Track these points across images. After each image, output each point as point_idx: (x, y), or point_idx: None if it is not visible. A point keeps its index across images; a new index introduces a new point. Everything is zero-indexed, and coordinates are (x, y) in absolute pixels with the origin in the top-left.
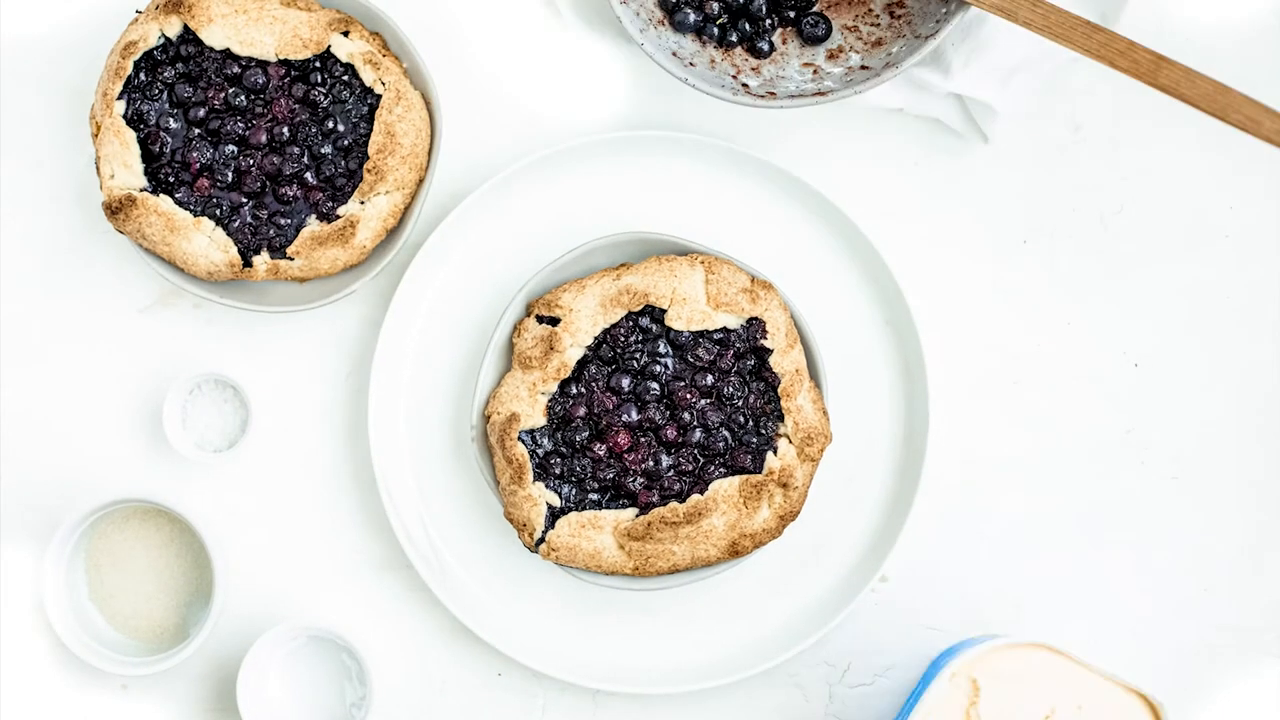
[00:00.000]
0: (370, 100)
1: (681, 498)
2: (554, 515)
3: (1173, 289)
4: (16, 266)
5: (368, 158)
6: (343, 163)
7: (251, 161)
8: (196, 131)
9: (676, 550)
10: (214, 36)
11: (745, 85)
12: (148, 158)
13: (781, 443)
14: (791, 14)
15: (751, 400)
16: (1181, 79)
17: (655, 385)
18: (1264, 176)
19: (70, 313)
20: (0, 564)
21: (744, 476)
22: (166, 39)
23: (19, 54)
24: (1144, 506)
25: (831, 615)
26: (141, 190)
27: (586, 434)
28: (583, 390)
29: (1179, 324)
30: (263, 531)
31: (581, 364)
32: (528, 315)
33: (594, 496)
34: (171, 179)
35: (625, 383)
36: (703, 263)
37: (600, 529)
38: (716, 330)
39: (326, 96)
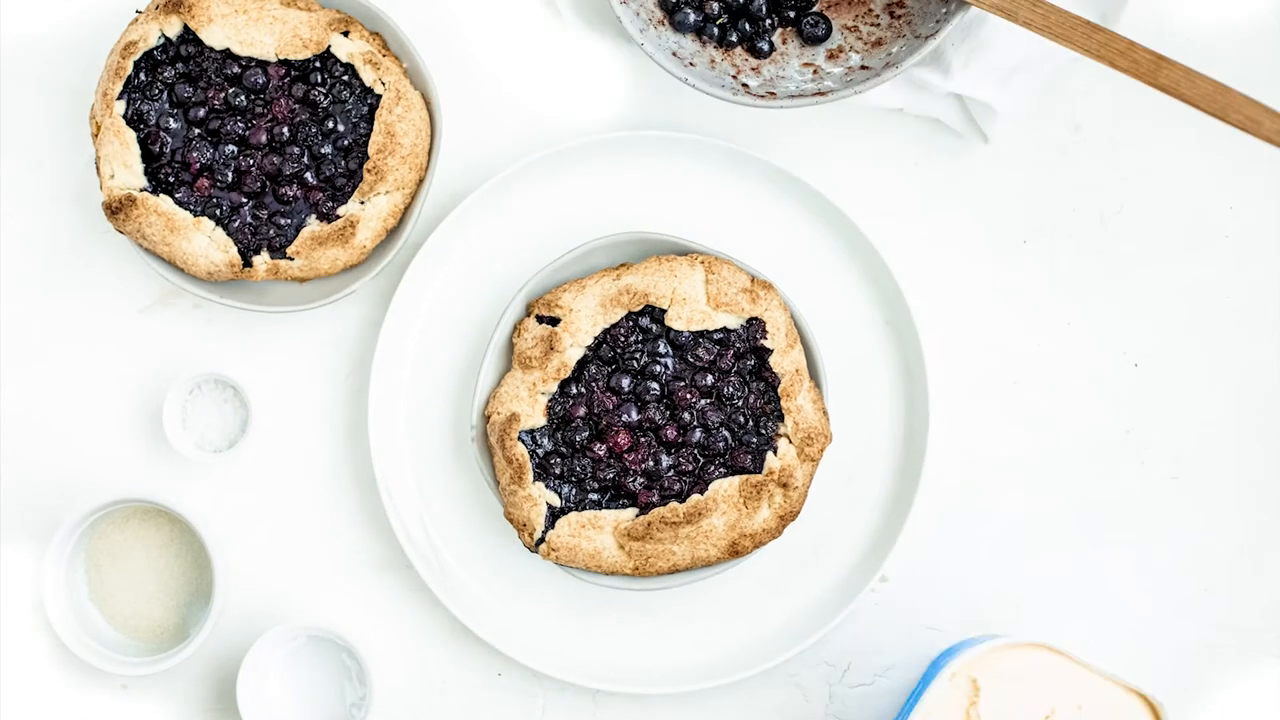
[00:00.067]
0: (370, 100)
1: (681, 498)
2: (554, 515)
3: (1173, 289)
4: (16, 266)
5: (368, 158)
6: (343, 163)
7: (251, 161)
8: (196, 131)
9: (676, 550)
10: (214, 36)
11: (745, 85)
12: (148, 158)
13: (781, 443)
14: (791, 14)
15: (751, 400)
16: (1181, 79)
17: (655, 385)
18: (1264, 176)
19: (70, 313)
20: (0, 564)
21: (744, 476)
22: (166, 39)
23: (19, 54)
24: (1144, 506)
25: (831, 615)
26: (141, 190)
27: (586, 434)
28: (583, 390)
29: (1179, 324)
30: (263, 531)
31: (581, 364)
32: (528, 315)
33: (594, 496)
34: (171, 179)
35: (625, 383)
36: (703, 263)
37: (600, 529)
38: (716, 330)
39: (326, 96)
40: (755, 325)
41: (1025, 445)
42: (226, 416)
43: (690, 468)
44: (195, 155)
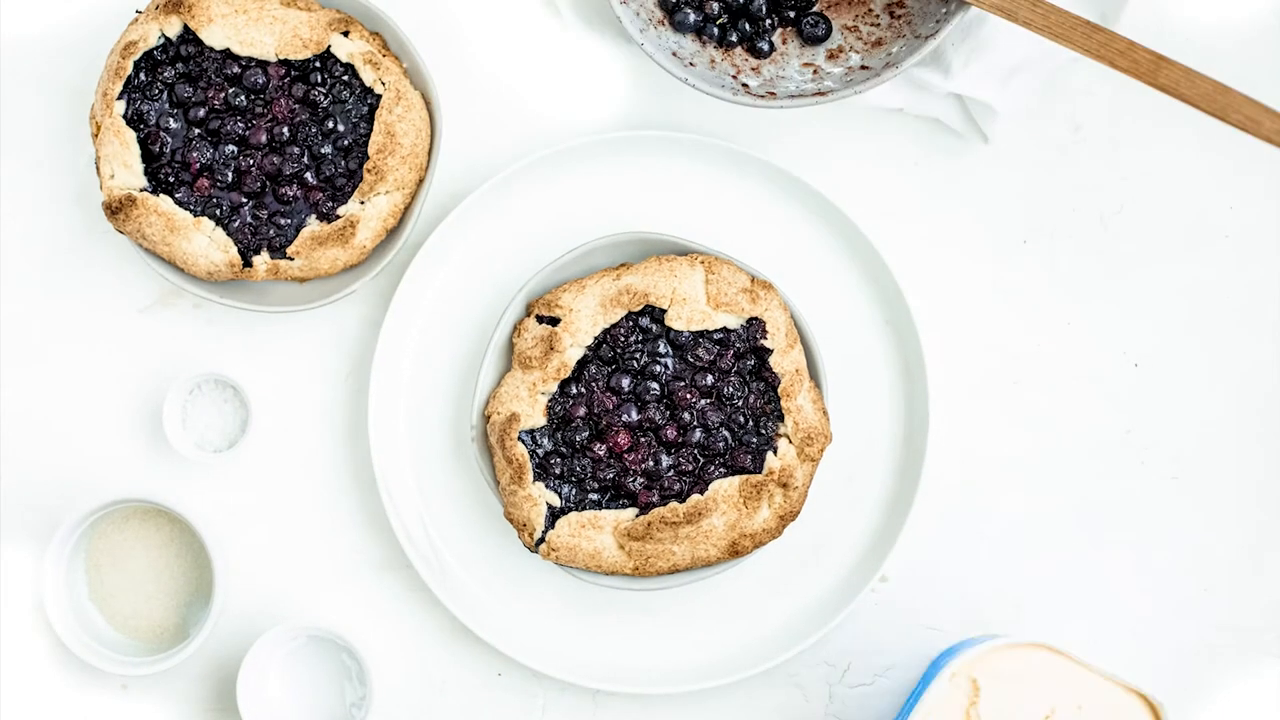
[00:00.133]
0: (370, 100)
1: (681, 498)
2: (554, 515)
3: (1173, 289)
4: (16, 266)
5: (368, 158)
6: (343, 163)
7: (251, 161)
8: (196, 131)
9: (676, 550)
10: (214, 36)
11: (745, 85)
12: (148, 158)
13: (781, 443)
14: (791, 14)
15: (751, 400)
16: (1181, 79)
17: (655, 385)
18: (1264, 176)
19: (70, 313)
20: (0, 564)
21: (744, 476)
22: (166, 39)
23: (19, 54)
24: (1144, 506)
25: (831, 615)
26: (141, 190)
27: (586, 434)
28: (583, 390)
29: (1179, 324)
30: (263, 531)
31: (581, 364)
32: (528, 315)
33: (594, 496)
34: (171, 179)
35: (625, 383)
36: (703, 263)
37: (600, 529)
38: (716, 330)
39: (326, 96)
40: (755, 325)
41: (1025, 445)
42: (226, 416)
43: (690, 468)
44: (195, 155)
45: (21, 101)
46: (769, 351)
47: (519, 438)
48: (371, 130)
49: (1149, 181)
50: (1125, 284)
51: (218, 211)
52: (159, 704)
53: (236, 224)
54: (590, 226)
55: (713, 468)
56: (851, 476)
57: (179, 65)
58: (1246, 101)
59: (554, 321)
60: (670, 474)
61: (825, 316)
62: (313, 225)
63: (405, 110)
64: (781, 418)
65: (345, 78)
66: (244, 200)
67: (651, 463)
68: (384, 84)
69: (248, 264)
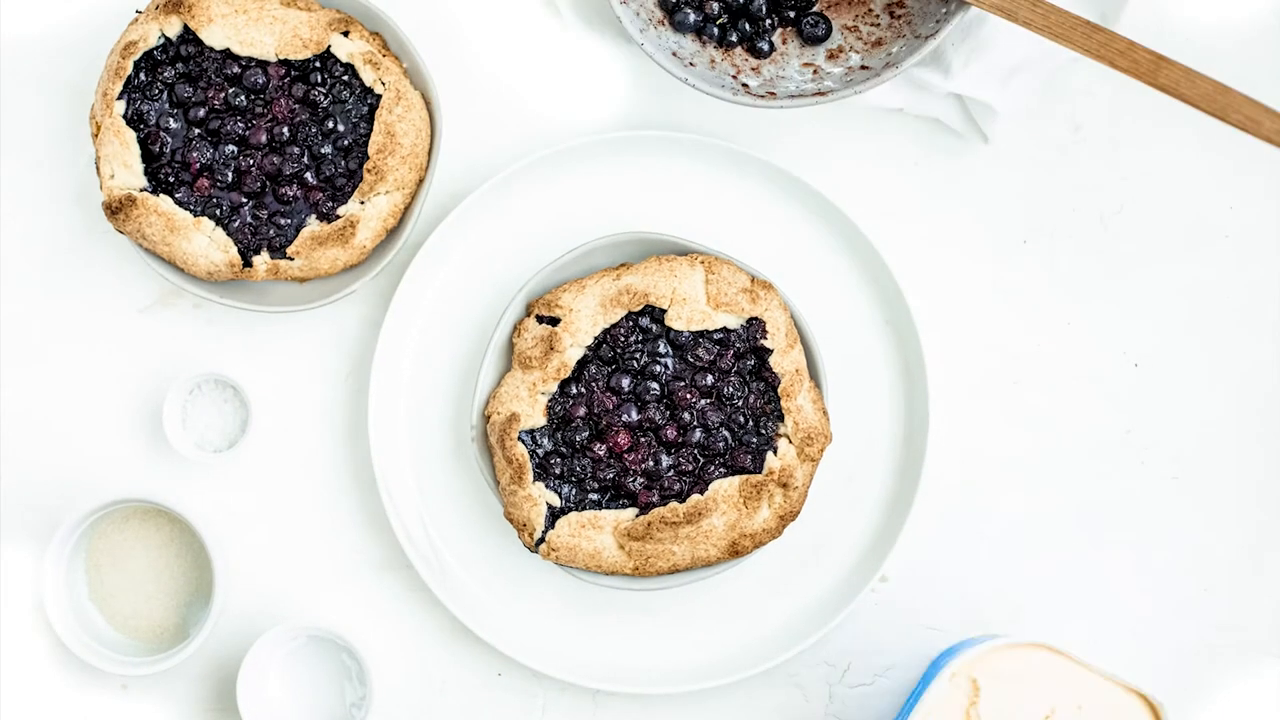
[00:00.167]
0: (370, 100)
1: (681, 498)
2: (554, 515)
3: (1173, 289)
4: (16, 266)
5: (368, 158)
6: (343, 163)
7: (251, 161)
8: (196, 131)
9: (676, 550)
10: (214, 36)
11: (745, 85)
12: (148, 158)
13: (781, 443)
14: (791, 14)
15: (751, 400)
16: (1181, 79)
17: (655, 385)
18: (1264, 176)
19: (70, 313)
20: (0, 564)
21: (744, 476)
22: (166, 39)
23: (19, 54)
24: (1144, 506)
25: (831, 615)
26: (141, 190)
27: (586, 434)
28: (583, 390)
29: (1179, 324)
30: (263, 531)
31: (581, 364)
32: (528, 315)
33: (594, 496)
34: (171, 179)
35: (625, 383)
36: (703, 263)
37: (600, 529)
38: (716, 330)
39: (326, 96)
40: (755, 325)
41: (1025, 445)
42: (226, 416)
43: (690, 468)
44: (195, 155)
45: (21, 101)
46: (769, 351)
47: (519, 438)
48: (371, 130)
49: (1149, 181)
50: (1125, 284)
51: (218, 211)
52: (159, 704)
53: (236, 224)
54: (590, 226)
55: (713, 468)
56: (851, 476)
57: (179, 65)
58: (1246, 101)
59: (554, 321)
60: (670, 474)
61: (825, 316)
62: (313, 225)
63: (405, 110)
64: (781, 418)
65: (345, 78)
66: (244, 200)
67: (651, 463)
68: (384, 84)
69: (248, 264)
